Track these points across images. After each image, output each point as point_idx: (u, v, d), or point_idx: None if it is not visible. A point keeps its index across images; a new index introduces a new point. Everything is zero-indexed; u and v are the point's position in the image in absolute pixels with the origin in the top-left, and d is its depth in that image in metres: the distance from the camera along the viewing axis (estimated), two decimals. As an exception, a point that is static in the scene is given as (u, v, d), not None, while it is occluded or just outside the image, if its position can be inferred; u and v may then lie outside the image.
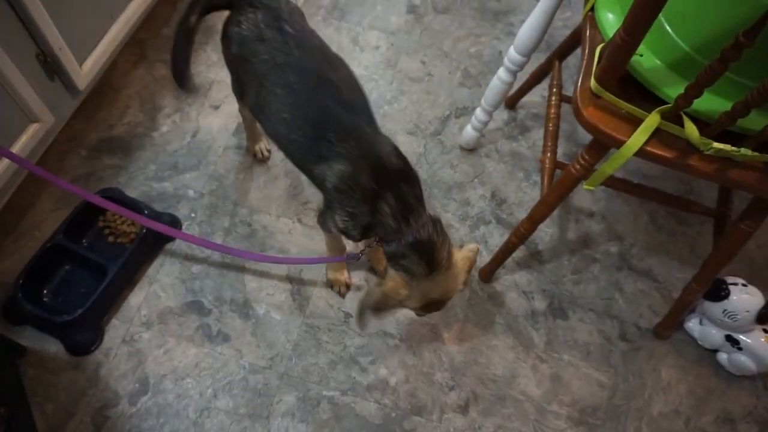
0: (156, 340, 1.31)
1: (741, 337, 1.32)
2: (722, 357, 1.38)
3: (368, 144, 1.02)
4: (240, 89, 1.25)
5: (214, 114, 1.66)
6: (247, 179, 1.55)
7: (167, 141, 1.60)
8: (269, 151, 1.60)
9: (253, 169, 1.57)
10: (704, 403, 1.36)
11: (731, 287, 1.29)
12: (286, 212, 1.51)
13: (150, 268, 1.40)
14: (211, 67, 1.75)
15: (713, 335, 1.36)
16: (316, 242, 1.46)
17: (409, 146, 1.66)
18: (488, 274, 1.43)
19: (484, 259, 1.46)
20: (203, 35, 1.81)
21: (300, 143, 1.07)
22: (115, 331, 1.32)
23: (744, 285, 1.30)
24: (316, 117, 1.04)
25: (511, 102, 1.74)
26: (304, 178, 1.55)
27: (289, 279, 1.41)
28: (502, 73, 1.40)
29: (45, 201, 1.47)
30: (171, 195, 1.51)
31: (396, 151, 1.05)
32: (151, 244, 1.41)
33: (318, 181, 1.09)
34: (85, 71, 1.38)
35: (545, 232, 1.55)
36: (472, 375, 1.33)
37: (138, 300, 1.36)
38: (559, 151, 1.62)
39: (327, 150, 1.02)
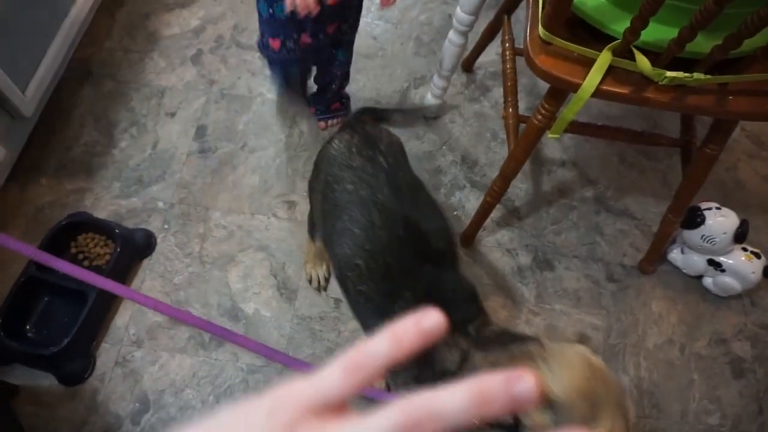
0: (149, 357, 1.30)
1: (722, 259, 1.35)
2: (707, 281, 1.41)
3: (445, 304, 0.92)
4: (312, 220, 1.12)
5: (172, 121, 1.63)
6: (215, 182, 1.53)
7: (128, 156, 1.57)
8: (327, 281, 1.37)
9: (220, 171, 1.55)
10: (696, 329, 1.39)
11: (706, 212, 1.31)
12: (259, 209, 1.49)
13: (131, 285, 1.38)
14: (161, 74, 1.71)
15: (696, 262, 1.39)
16: (296, 235, 1.45)
17: (373, 124, 1.64)
18: (470, 237, 1.44)
19: (464, 223, 1.46)
20: (148, 42, 1.77)
21: (370, 297, 0.91)
22: (106, 354, 1.30)
23: (718, 208, 1.32)
24: (395, 272, 0.89)
25: (468, 64, 1.73)
26: (273, 171, 1.54)
27: (274, 275, 1.40)
28: (452, 35, 1.39)
29: (12, 235, 1.43)
30: (141, 210, 1.48)
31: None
32: (128, 262, 1.38)
33: None
34: (29, 97, 1.34)
35: (520, 188, 1.55)
36: (469, 339, 1.34)
37: (124, 320, 1.34)
38: (522, 105, 1.63)
39: (400, 309, 0.85)
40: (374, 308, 0.91)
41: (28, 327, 1.30)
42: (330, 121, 1.59)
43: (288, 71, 1.47)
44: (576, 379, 0.67)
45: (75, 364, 1.26)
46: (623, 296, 1.42)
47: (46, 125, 1.57)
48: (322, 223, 1.03)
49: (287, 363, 1.22)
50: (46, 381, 1.27)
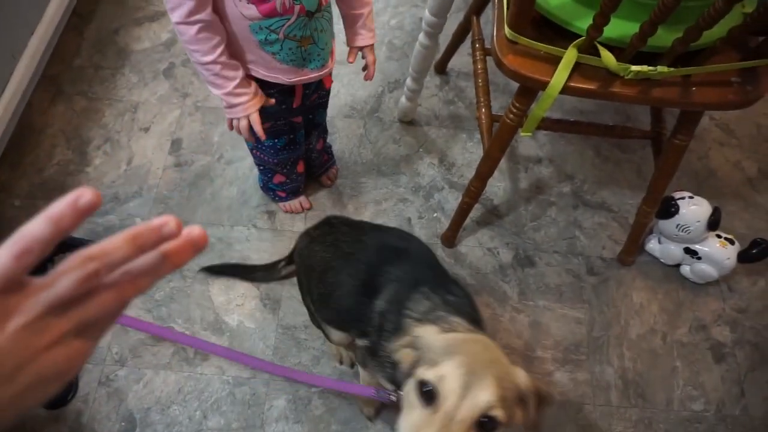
0: (133, 375, 1.28)
1: (698, 246, 1.37)
2: (685, 269, 1.44)
3: None
4: (316, 321, 1.21)
5: (146, 136, 1.62)
6: (192, 195, 1.52)
7: (103, 173, 1.55)
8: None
9: (198, 184, 1.53)
10: (676, 317, 1.41)
11: (679, 202, 1.33)
12: (239, 220, 1.48)
13: (112, 304, 1.36)
14: (133, 89, 1.70)
15: (672, 251, 1.41)
16: (277, 245, 1.44)
17: (348, 129, 1.65)
18: (450, 238, 1.45)
19: (444, 224, 1.47)
20: (118, 58, 1.75)
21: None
22: (89, 375, 1.28)
23: (690, 197, 1.35)
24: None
25: (440, 66, 1.74)
26: (251, 182, 1.53)
27: (257, 286, 1.39)
28: (422, 38, 1.40)
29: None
30: (118, 227, 1.46)
31: None
32: (108, 281, 1.37)
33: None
34: (-3, 118, 1.32)
35: (498, 187, 1.57)
36: (454, 339, 1.35)
37: (106, 339, 1.32)
38: (496, 104, 1.64)
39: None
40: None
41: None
42: (329, 173, 1.53)
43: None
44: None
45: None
46: (604, 289, 1.44)
47: (18, 146, 1.55)
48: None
49: (272, 371, 1.22)
50: (28, 406, 1.25)
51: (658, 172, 1.26)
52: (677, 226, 1.34)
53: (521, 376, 0.70)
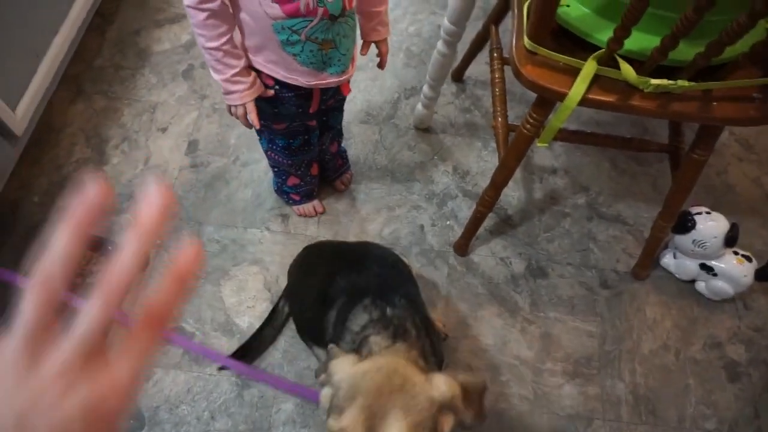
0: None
1: (714, 263, 1.35)
2: (700, 286, 1.42)
3: None
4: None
5: (164, 136, 1.63)
6: (208, 197, 1.53)
7: (120, 172, 1.57)
8: None
9: (213, 186, 1.55)
10: (690, 333, 1.39)
11: (696, 217, 1.32)
12: (252, 222, 1.49)
13: (123, 301, 1.37)
14: (152, 90, 1.72)
15: (688, 266, 1.39)
16: (289, 248, 1.45)
17: (364, 135, 1.65)
18: (463, 247, 1.44)
19: (457, 233, 1.46)
20: (138, 58, 1.77)
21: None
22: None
23: (708, 212, 1.33)
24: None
25: (458, 74, 1.74)
26: (266, 185, 1.54)
27: (268, 288, 1.40)
28: (440, 46, 1.40)
29: (5, 254, 1.43)
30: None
31: None
32: (121, 279, 1.38)
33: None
34: (19, 116, 1.34)
35: (512, 197, 1.56)
36: (464, 349, 1.34)
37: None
38: (512, 114, 1.63)
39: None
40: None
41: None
42: (343, 178, 1.54)
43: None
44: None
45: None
46: (617, 302, 1.43)
47: (38, 143, 1.57)
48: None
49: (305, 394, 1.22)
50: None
51: (675, 186, 1.24)
52: (693, 241, 1.32)
53: (439, 387, 0.69)
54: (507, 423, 1.26)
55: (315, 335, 1.04)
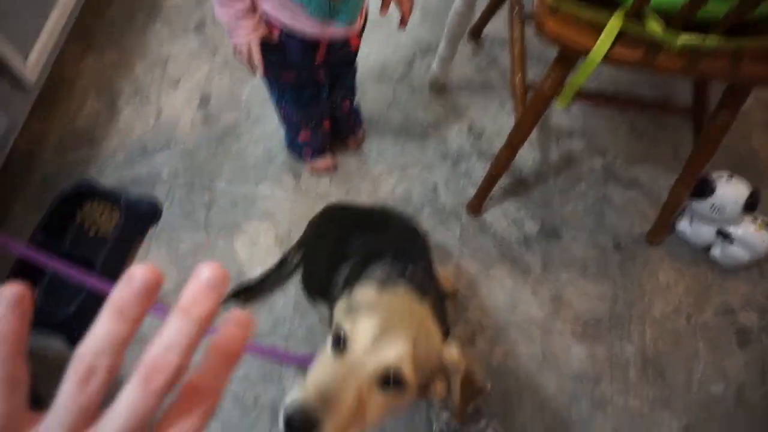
0: (158, 323, 1.31)
1: (731, 229, 1.33)
2: (716, 252, 1.40)
3: None
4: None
5: (175, 90, 1.62)
6: (219, 152, 1.52)
7: (132, 126, 1.56)
8: None
9: (224, 141, 1.54)
10: (703, 299, 1.38)
11: (717, 182, 1.29)
12: (264, 178, 1.48)
13: (137, 254, 1.39)
14: (164, 44, 1.69)
15: (704, 232, 1.37)
16: (301, 204, 1.45)
17: (378, 93, 1.62)
18: (476, 207, 1.43)
19: (470, 193, 1.45)
20: (151, 11, 1.74)
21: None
22: (114, 322, 1.32)
23: (729, 177, 1.30)
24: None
25: (475, 32, 1.69)
26: (277, 140, 1.53)
27: (279, 243, 1.40)
28: (458, 3, 1.35)
29: (18, 204, 1.44)
30: (145, 179, 1.48)
31: None
32: (133, 231, 1.39)
33: None
34: (30, 65, 1.33)
35: (528, 158, 1.54)
36: (475, 308, 1.35)
37: (132, 288, 1.35)
38: (531, 73, 1.59)
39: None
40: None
41: (37, 292, 1.31)
42: (356, 136, 1.52)
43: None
44: None
45: (85, 328, 1.27)
46: (630, 266, 1.42)
47: (49, 95, 1.56)
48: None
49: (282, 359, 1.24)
50: (59, 345, 1.29)
51: (696, 150, 1.21)
52: (712, 206, 1.30)
53: (451, 351, 0.69)
54: (514, 381, 1.28)
55: (322, 289, 1.04)
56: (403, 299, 0.74)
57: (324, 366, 0.64)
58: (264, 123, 1.56)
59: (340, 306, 0.73)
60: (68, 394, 0.23)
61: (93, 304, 1.29)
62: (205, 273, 0.25)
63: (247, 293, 1.31)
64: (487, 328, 1.33)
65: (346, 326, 0.65)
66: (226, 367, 0.26)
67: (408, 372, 0.63)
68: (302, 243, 1.28)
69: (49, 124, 1.55)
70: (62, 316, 1.21)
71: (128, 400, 0.24)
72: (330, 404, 0.59)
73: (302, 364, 0.81)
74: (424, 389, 0.69)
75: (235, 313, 0.26)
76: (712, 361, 1.31)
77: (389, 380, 0.63)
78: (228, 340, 0.26)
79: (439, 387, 0.70)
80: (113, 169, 1.49)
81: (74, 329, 1.27)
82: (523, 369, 1.29)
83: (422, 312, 0.72)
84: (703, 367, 1.31)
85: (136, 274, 0.24)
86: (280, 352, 1.24)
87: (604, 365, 1.30)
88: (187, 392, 0.25)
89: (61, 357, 1.28)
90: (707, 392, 1.28)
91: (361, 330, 0.64)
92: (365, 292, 0.72)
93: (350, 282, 0.91)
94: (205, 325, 0.25)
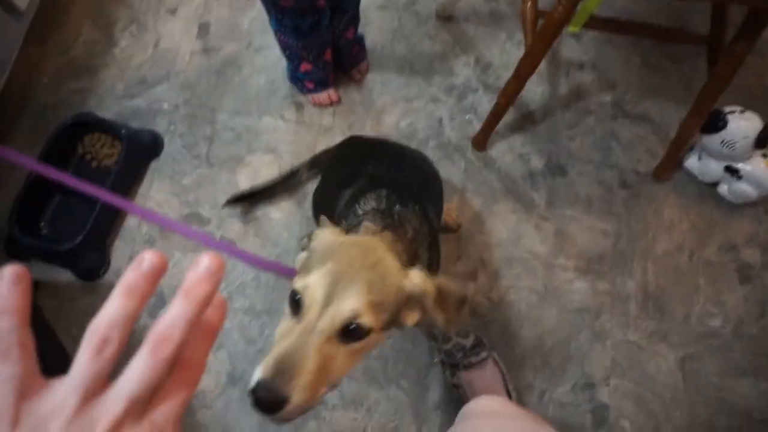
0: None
1: (740, 165, 1.31)
2: (723, 189, 1.39)
3: None
4: None
5: (173, 19, 1.56)
6: (220, 83, 1.48)
7: (130, 56, 1.52)
8: None
9: (225, 72, 1.50)
10: (707, 236, 1.38)
11: (728, 116, 1.26)
12: (267, 110, 1.46)
13: (140, 187, 1.38)
14: (160, -32, 1.62)
15: (713, 168, 1.35)
16: (304, 137, 1.43)
17: (382, 22, 1.56)
18: (481, 141, 1.41)
19: (475, 127, 1.42)
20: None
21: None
22: (120, 252, 1.33)
23: (741, 111, 1.27)
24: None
25: (486, -43, 1.61)
26: (280, 71, 1.49)
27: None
28: None
29: (18, 135, 1.42)
30: (145, 111, 1.45)
31: None
32: (135, 163, 1.38)
33: None
34: (22, -12, 1.28)
35: (535, 91, 1.50)
36: (477, 243, 1.35)
37: (136, 220, 1.35)
38: (541, 2, 1.53)
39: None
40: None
41: (42, 224, 1.32)
42: (360, 67, 1.47)
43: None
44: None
45: (90, 260, 1.29)
46: (635, 203, 1.41)
47: (44, 23, 1.51)
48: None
49: (284, 272, 1.25)
50: (64, 276, 1.31)
51: (710, 81, 1.18)
52: (722, 141, 1.27)
53: (413, 279, 0.68)
54: (516, 314, 1.30)
55: (327, 210, 1.04)
56: (358, 242, 0.72)
57: (283, 335, 0.63)
58: (266, 53, 1.51)
59: (300, 258, 0.72)
60: (84, 362, 0.27)
61: (97, 237, 1.30)
62: (204, 261, 0.29)
63: (254, 197, 1.33)
64: (489, 263, 1.33)
65: (299, 286, 0.64)
66: (207, 343, 0.30)
67: (368, 319, 0.62)
68: (315, 162, 1.29)
69: (44, 54, 1.50)
70: (65, 248, 1.22)
71: (138, 367, 0.27)
72: (293, 375, 0.58)
73: (280, 272, 0.83)
74: (394, 323, 0.69)
75: (216, 298, 0.30)
76: (712, 297, 1.33)
77: (351, 332, 0.62)
78: (207, 321, 0.30)
79: (409, 317, 0.69)
80: (113, 101, 1.46)
81: (78, 262, 1.28)
82: (525, 302, 1.31)
83: (379, 250, 0.70)
84: (703, 302, 1.32)
85: (145, 258, 0.28)
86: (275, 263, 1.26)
87: (604, 300, 1.31)
88: (179, 365, 0.29)
89: (71, 287, 1.30)
90: (705, 326, 1.30)
91: (312, 288, 0.63)
92: (322, 238, 0.71)
93: (348, 207, 0.91)
94: (204, 306, 0.28)
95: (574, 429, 1.22)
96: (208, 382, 1.23)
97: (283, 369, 0.58)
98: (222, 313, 0.31)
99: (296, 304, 0.63)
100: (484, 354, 1.18)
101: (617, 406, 1.24)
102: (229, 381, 1.23)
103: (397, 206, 0.86)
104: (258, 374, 0.59)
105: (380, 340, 0.68)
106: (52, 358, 1.11)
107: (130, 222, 1.35)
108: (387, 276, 0.67)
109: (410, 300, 0.69)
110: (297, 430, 1.20)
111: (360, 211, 0.87)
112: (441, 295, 0.70)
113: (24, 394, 0.26)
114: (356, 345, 0.63)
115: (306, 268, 0.66)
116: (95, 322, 0.27)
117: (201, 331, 0.30)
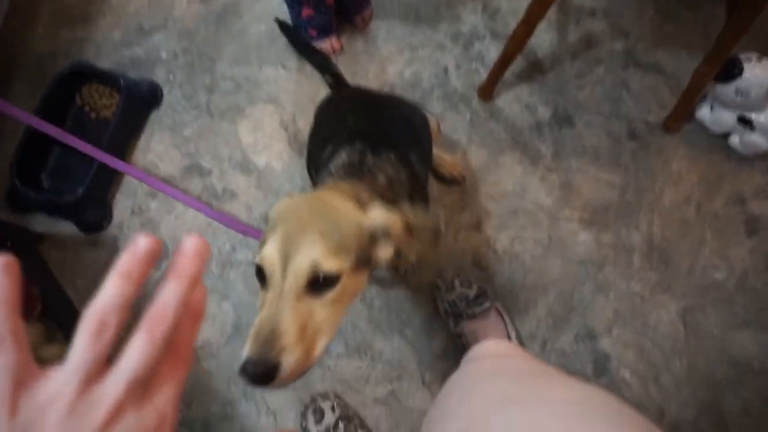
0: (164, 207, 1.32)
1: (754, 115, 1.27)
2: (734, 140, 1.35)
3: None
4: None
5: (169, -37, 1.50)
6: (219, 31, 1.44)
7: (125, 2, 1.47)
8: None
9: (225, 19, 1.45)
10: (715, 188, 1.36)
11: (744, 64, 1.22)
12: (267, 60, 1.42)
13: (140, 139, 1.37)
14: None
15: (725, 118, 1.32)
16: (305, 87, 1.39)
17: (387, -34, 1.50)
18: (488, 91, 1.37)
19: (482, 76, 1.39)
20: None
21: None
22: (122, 205, 1.32)
23: (758, 59, 1.23)
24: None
25: None
26: (281, 18, 1.44)
27: (284, 127, 1.37)
28: None
29: (16, 85, 1.40)
30: (144, 60, 1.42)
31: None
32: (135, 114, 1.35)
33: None
34: (11, -71, 1.23)
35: (544, 39, 1.45)
36: (482, 194, 1.34)
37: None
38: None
39: None
40: None
41: (42, 177, 1.31)
42: (364, 14, 1.42)
43: None
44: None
45: (92, 212, 1.29)
46: (644, 155, 1.38)
47: (36, -34, 1.46)
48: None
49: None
50: (68, 229, 1.31)
51: (727, 27, 1.13)
52: (737, 90, 1.23)
53: (372, 215, 0.68)
54: (520, 265, 1.29)
55: (315, 167, 1.03)
56: (309, 197, 0.72)
57: (260, 308, 0.63)
58: (266, 0, 1.46)
59: (266, 229, 0.71)
60: (82, 346, 0.27)
61: (98, 190, 1.29)
62: (190, 243, 0.30)
63: (295, 35, 1.35)
64: (493, 215, 1.32)
65: (258, 259, 0.64)
66: (195, 325, 0.32)
67: (331, 265, 0.61)
68: (334, 81, 1.23)
69: (38, 3, 1.46)
70: (67, 200, 1.22)
71: (137, 348, 0.28)
72: (276, 342, 0.58)
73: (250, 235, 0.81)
74: (367, 263, 0.68)
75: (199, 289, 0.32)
76: (718, 249, 1.32)
77: (323, 283, 0.62)
78: (193, 304, 0.31)
79: (382, 251, 0.69)
80: (110, 50, 1.43)
81: (80, 214, 1.28)
82: (529, 254, 1.30)
83: (330, 198, 0.70)
84: (708, 255, 1.31)
85: (140, 243, 0.29)
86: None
87: (608, 251, 1.31)
88: (171, 349, 0.30)
89: (74, 240, 1.31)
90: (709, 278, 1.30)
91: (269, 255, 0.62)
92: (277, 209, 0.70)
93: (326, 162, 0.89)
94: (194, 285, 0.30)
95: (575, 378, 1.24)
96: (213, 332, 1.25)
97: (266, 339, 0.58)
98: (204, 298, 0.33)
99: (261, 275, 0.63)
100: (487, 304, 1.19)
101: (618, 355, 1.25)
102: (234, 331, 1.25)
103: (369, 157, 0.85)
104: (244, 354, 0.59)
105: (359, 285, 0.68)
106: (59, 309, 1.12)
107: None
108: (340, 219, 0.66)
109: (376, 237, 0.68)
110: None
111: (332, 168, 0.85)
112: (411, 228, 0.69)
113: (21, 382, 0.26)
114: (331, 294, 0.63)
115: (261, 243, 0.66)
116: (92, 306, 0.27)
117: (189, 314, 0.31)
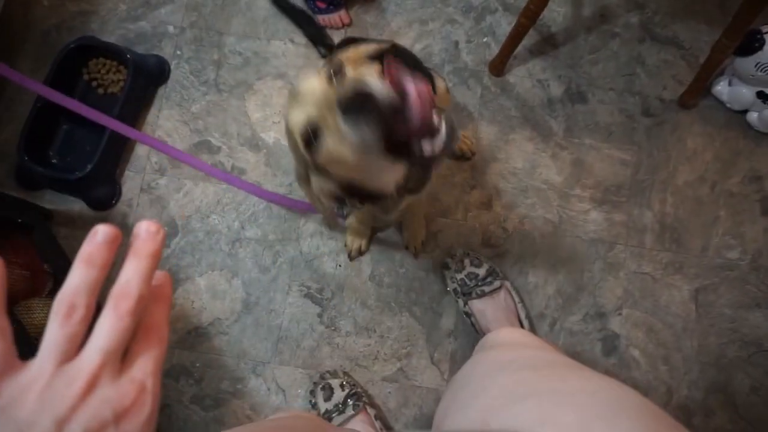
0: (173, 185, 1.31)
1: (773, 91, 1.24)
2: (752, 116, 1.32)
3: None
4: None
5: (174, -66, 1.47)
6: (227, 4, 1.42)
7: (130, -25, 1.44)
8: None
9: (231, -8, 1.42)
10: (731, 166, 1.34)
11: (766, 36, 1.18)
12: (275, 34, 1.39)
13: (149, 115, 1.36)
14: None
15: (743, 94, 1.29)
16: (313, 61, 1.37)
17: (397, -64, 1.46)
18: (499, 66, 1.34)
19: (493, 51, 1.36)
20: None
21: None
22: (131, 182, 1.32)
23: (780, 32, 1.19)
24: None
25: None
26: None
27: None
28: None
29: (22, 63, 1.39)
30: (150, 34, 1.40)
31: None
32: (142, 90, 1.34)
33: None
34: None
35: (557, 12, 1.41)
36: (492, 172, 1.32)
37: (145, 149, 1.34)
38: None
39: None
40: None
41: (51, 153, 1.31)
42: None
43: None
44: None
45: (101, 189, 1.29)
46: (658, 132, 1.35)
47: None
48: None
49: (289, 205, 1.24)
50: (77, 206, 1.31)
51: (748, -2, 1.09)
52: (757, 64, 1.20)
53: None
54: (530, 243, 1.28)
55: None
56: None
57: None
58: (272, -28, 1.43)
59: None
60: (55, 328, 0.29)
61: (107, 166, 1.29)
62: (143, 226, 0.32)
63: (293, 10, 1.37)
64: (504, 192, 1.31)
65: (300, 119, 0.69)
66: (164, 306, 0.33)
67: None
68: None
69: (43, -27, 1.44)
70: (76, 177, 1.21)
71: (105, 323, 0.29)
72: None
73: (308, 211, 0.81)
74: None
75: (160, 273, 0.34)
76: (732, 228, 1.30)
77: (311, 140, 0.68)
78: (158, 288, 0.33)
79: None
80: (116, 24, 1.41)
81: (89, 191, 1.28)
82: (539, 232, 1.29)
83: None
84: (722, 234, 1.30)
85: (99, 231, 0.30)
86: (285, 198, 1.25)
87: (620, 230, 1.29)
88: (143, 329, 0.31)
89: (84, 216, 1.31)
90: (722, 258, 1.28)
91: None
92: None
93: None
94: (154, 262, 0.31)
95: (583, 357, 1.24)
96: (223, 309, 1.25)
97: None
98: (169, 282, 0.34)
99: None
100: (496, 283, 1.18)
101: (627, 335, 1.25)
102: (244, 308, 1.26)
103: None
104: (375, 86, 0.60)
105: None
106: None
107: (140, 151, 1.34)
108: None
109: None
110: (311, 353, 1.23)
111: None
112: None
113: (3, 372, 0.28)
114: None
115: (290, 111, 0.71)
116: (59, 293, 0.29)
117: (155, 297, 0.33)
